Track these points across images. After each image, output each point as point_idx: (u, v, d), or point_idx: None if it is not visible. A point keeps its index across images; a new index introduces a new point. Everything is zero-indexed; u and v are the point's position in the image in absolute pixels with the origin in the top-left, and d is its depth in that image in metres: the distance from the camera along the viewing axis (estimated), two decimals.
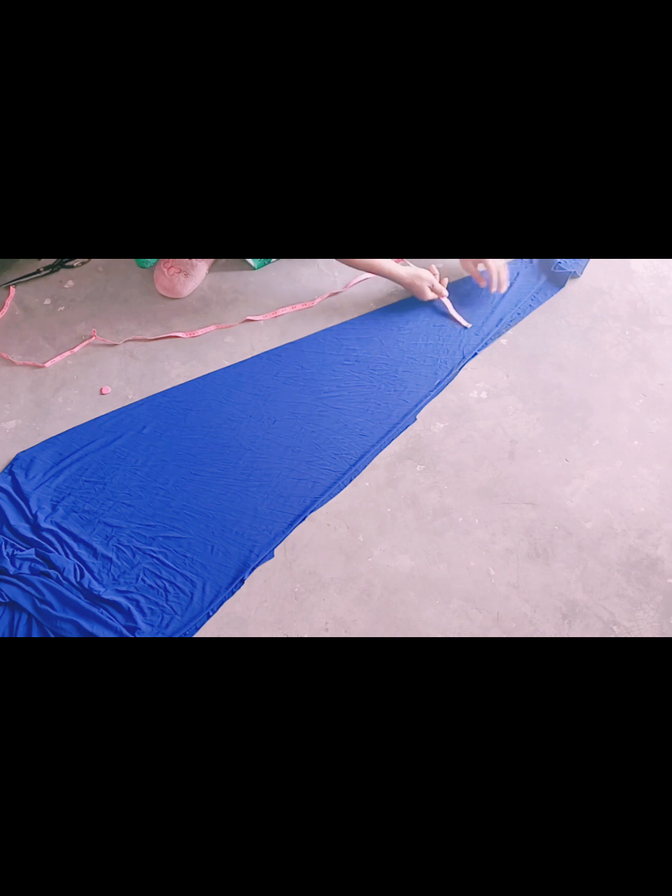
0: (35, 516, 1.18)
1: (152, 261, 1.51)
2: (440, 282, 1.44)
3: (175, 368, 1.37)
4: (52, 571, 1.11)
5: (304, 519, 1.19)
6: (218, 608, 1.10)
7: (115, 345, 1.40)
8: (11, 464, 1.25)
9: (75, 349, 1.39)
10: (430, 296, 1.42)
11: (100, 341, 1.40)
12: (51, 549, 1.14)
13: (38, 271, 1.50)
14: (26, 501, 1.19)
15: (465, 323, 1.41)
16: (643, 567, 1.14)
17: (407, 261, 1.49)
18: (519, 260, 1.51)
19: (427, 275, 1.41)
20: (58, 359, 1.38)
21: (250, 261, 1.51)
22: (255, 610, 1.11)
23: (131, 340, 1.41)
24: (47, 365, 1.37)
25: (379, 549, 1.16)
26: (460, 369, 1.36)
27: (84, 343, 1.40)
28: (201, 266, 1.48)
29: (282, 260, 1.52)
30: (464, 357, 1.37)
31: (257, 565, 1.14)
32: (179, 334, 1.41)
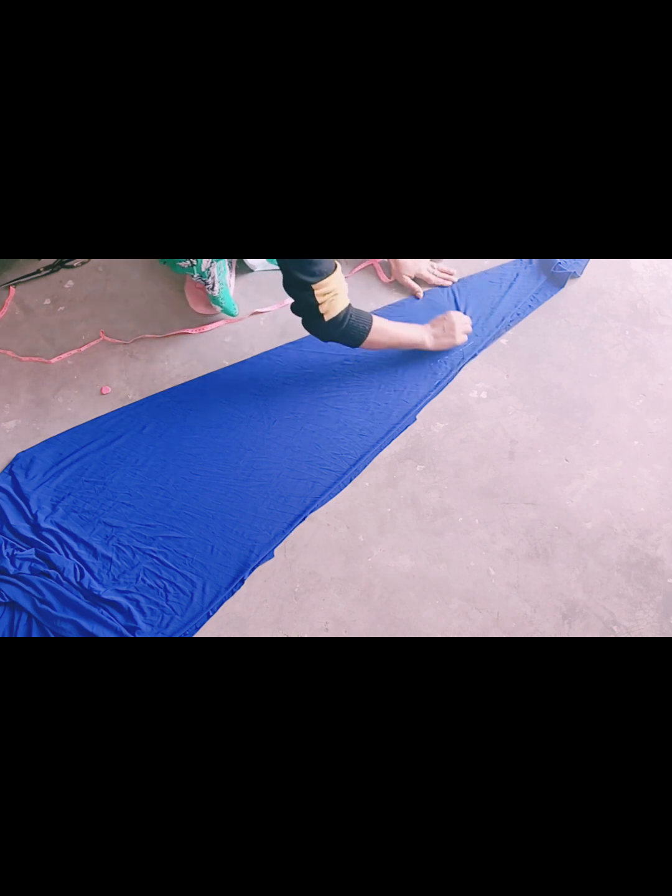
0: (35, 516, 1.18)
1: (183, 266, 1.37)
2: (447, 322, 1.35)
3: (175, 368, 1.37)
4: (52, 571, 1.12)
5: (304, 519, 1.19)
6: (218, 608, 1.10)
7: (127, 343, 1.40)
8: (11, 464, 1.25)
9: (83, 348, 1.39)
10: (463, 340, 1.35)
11: (109, 341, 1.40)
12: (51, 549, 1.14)
13: (38, 271, 1.50)
14: (26, 501, 1.20)
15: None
16: (643, 567, 1.15)
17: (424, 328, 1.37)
18: (519, 260, 1.51)
19: (456, 322, 1.33)
20: (65, 356, 1.38)
21: (249, 264, 1.50)
22: (255, 610, 1.11)
23: (141, 339, 1.41)
24: (53, 361, 1.37)
25: (379, 549, 1.16)
26: (460, 369, 1.36)
27: (92, 343, 1.40)
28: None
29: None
30: (464, 357, 1.36)
31: (257, 565, 1.14)
32: (189, 331, 1.41)
